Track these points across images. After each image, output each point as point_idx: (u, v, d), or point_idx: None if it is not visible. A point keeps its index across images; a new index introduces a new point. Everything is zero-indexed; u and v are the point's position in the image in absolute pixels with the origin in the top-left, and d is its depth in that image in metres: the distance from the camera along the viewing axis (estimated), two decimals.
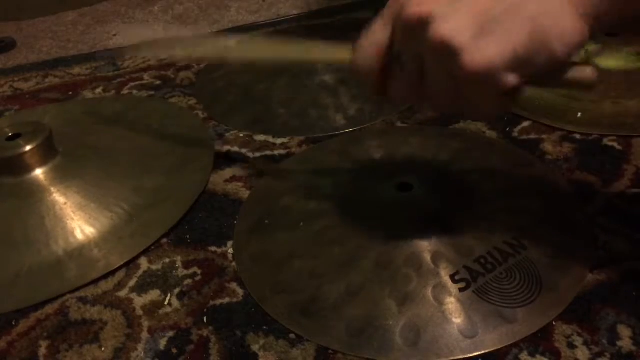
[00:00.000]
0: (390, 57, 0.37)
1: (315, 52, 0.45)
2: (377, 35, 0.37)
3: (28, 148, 0.53)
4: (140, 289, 0.46)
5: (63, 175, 0.54)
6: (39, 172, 0.54)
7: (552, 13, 0.31)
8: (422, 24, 0.33)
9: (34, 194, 0.52)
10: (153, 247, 0.50)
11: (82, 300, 0.45)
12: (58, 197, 0.52)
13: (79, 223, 0.51)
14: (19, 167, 0.53)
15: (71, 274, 0.47)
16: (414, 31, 0.34)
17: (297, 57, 0.47)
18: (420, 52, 0.34)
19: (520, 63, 0.31)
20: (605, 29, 0.33)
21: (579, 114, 0.60)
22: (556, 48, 0.31)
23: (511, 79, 0.32)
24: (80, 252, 0.49)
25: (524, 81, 0.33)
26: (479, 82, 0.32)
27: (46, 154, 0.54)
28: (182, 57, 0.61)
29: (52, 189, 0.53)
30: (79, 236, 0.50)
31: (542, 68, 0.32)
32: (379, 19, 0.38)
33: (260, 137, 0.63)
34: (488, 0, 0.32)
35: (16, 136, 0.54)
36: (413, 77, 0.36)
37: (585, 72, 0.34)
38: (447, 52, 0.32)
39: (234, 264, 0.47)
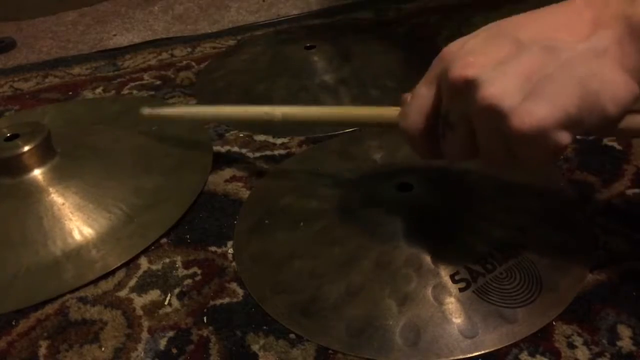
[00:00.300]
0: (437, 118, 0.37)
1: (361, 114, 0.46)
2: (422, 97, 0.37)
3: (26, 148, 0.52)
4: (140, 289, 0.46)
5: (61, 176, 0.54)
6: (37, 173, 0.53)
7: (601, 73, 0.31)
8: (468, 87, 0.33)
9: (32, 195, 0.52)
10: (153, 247, 0.49)
11: (82, 300, 0.45)
12: (56, 198, 0.52)
13: (77, 224, 0.51)
14: (17, 167, 0.53)
15: (68, 275, 0.47)
16: (461, 94, 0.33)
17: (343, 118, 0.49)
18: (468, 113, 0.34)
19: (573, 123, 0.31)
20: None
21: None
22: (608, 107, 0.31)
23: (564, 137, 0.31)
24: (77, 253, 0.49)
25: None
26: (530, 142, 0.32)
27: (44, 154, 0.54)
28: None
29: (50, 189, 0.53)
30: (77, 237, 0.50)
31: (594, 126, 0.32)
32: (423, 80, 0.37)
33: (260, 137, 0.63)
34: (535, 62, 0.32)
35: (14, 136, 0.54)
36: (463, 137, 0.36)
37: (639, 120, 0.33)
38: (496, 115, 0.32)
39: (234, 264, 0.47)
